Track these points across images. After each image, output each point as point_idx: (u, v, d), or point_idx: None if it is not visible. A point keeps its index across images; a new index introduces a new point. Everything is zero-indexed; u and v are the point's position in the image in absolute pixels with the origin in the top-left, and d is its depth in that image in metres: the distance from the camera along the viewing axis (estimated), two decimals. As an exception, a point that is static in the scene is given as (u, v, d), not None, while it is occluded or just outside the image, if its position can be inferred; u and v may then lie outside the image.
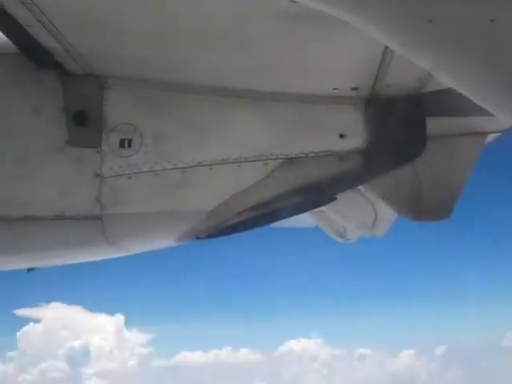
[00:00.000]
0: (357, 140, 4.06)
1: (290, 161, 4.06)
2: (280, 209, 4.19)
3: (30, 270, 4.66)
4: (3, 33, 3.71)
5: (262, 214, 4.17)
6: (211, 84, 4.01)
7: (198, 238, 4.22)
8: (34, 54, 3.81)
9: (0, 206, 3.90)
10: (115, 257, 4.41)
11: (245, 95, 4.03)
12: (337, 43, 3.34)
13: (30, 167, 3.90)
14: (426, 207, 4.42)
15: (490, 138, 4.55)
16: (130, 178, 3.93)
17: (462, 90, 2.29)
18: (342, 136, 4.07)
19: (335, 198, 4.26)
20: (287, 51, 3.58)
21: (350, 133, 4.06)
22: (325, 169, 4.11)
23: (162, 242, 4.35)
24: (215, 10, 3.04)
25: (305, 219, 6.67)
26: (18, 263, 4.42)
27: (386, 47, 3.28)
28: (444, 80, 2.33)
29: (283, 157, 4.05)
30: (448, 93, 3.37)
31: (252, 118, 4.06)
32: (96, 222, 3.93)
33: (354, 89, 3.95)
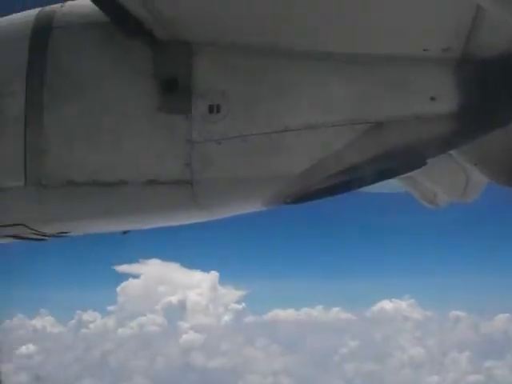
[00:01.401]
0: (448, 103, 3.92)
1: (379, 125, 3.98)
2: (368, 174, 4.15)
3: (124, 232, 4.84)
4: (93, 2, 3.83)
5: (350, 179, 4.14)
6: (299, 48, 3.97)
7: (285, 202, 4.24)
8: (123, 22, 3.91)
9: (95, 171, 4.05)
10: (205, 220, 4.51)
11: (333, 59, 3.97)
12: (428, 2, 3.23)
13: (123, 134, 4.03)
14: None
15: None
16: (219, 143, 3.98)
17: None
18: (432, 99, 3.93)
19: (425, 163, 4.16)
20: (378, 12, 3.50)
21: (441, 96, 3.92)
22: (415, 133, 4.01)
23: (250, 206, 4.40)
24: None
25: (394, 184, 6.57)
26: (112, 227, 4.60)
27: (478, 6, 3.15)
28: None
29: (372, 121, 3.97)
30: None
31: (340, 82, 4.00)
32: (186, 187, 4.02)
33: (445, 50, 3.80)
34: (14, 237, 4.51)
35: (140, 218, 4.35)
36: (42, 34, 4.10)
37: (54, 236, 4.60)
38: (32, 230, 4.38)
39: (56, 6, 4.24)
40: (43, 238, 4.63)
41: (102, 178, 4.06)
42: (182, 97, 3.99)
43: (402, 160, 4.08)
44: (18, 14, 4.32)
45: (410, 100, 3.97)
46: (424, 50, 3.83)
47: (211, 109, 3.97)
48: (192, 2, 3.71)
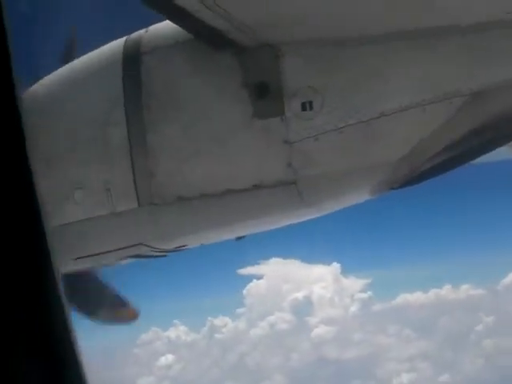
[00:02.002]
0: None
1: (477, 95, 3.85)
2: (473, 147, 4.03)
3: (238, 238, 4.94)
4: (174, 22, 3.96)
5: (456, 155, 4.04)
6: (384, 31, 3.92)
7: (392, 188, 4.19)
8: (207, 37, 4.01)
9: (202, 184, 4.17)
10: (312, 218, 4.52)
11: (418, 36, 3.89)
12: None
13: (224, 144, 4.13)
14: None
15: None
16: (316, 139, 3.99)
17: None
18: None
19: None
20: None
21: None
22: None
23: (357, 197, 4.37)
24: None
25: (505, 152, 6.29)
26: (225, 235, 4.70)
27: None
28: None
29: (468, 93, 3.85)
30: None
31: (430, 57, 3.92)
32: (291, 187, 4.07)
33: None
34: (135, 257, 4.70)
35: (250, 223, 4.42)
36: (132, 61, 4.28)
37: (172, 251, 4.76)
38: (151, 247, 4.56)
39: (141, 32, 4.41)
40: (163, 254, 4.80)
41: (210, 189, 4.18)
42: (274, 99, 4.04)
43: (506, 128, 3.92)
44: (107, 45, 4.51)
45: (505, 64, 3.82)
46: (507, 12, 3.68)
47: (304, 106, 4.00)
48: (273, 7, 3.74)
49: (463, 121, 3.87)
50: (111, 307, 6.39)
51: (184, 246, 4.70)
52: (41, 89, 4.65)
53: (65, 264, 4.80)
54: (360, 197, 4.36)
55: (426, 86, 3.89)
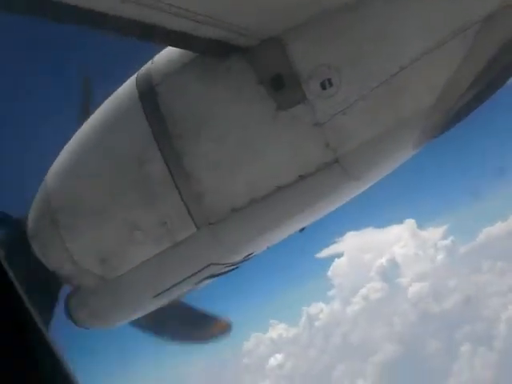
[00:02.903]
0: None
1: (489, 18, 3.74)
2: (503, 71, 3.93)
3: (301, 230, 4.94)
4: (175, 46, 4.07)
5: (488, 84, 3.94)
6: None
7: (435, 136, 4.12)
8: (210, 50, 4.04)
9: (249, 191, 4.19)
10: (365, 189, 4.49)
11: None
12: None
13: (257, 145, 4.13)
14: None
15: None
16: (344, 113, 3.95)
17: None
18: None
19: None
20: None
21: None
22: None
23: (401, 155, 4.32)
24: None
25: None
26: (286, 231, 4.71)
27: None
28: None
29: (479, 18, 3.74)
30: None
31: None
32: (335, 166, 4.04)
33: None
34: (210, 277, 4.76)
35: (307, 212, 4.42)
36: (149, 95, 4.32)
37: (242, 262, 4.80)
38: (221, 264, 4.61)
39: (148, 65, 4.44)
40: (234, 267, 4.85)
41: (258, 193, 4.19)
42: (292, 88, 4.02)
43: None
44: (120, 88, 4.57)
45: None
46: None
47: (323, 85, 3.97)
48: (258, 3, 3.74)
49: (484, 49, 3.76)
50: (204, 326, 6.70)
51: (251, 253, 4.73)
52: (72, 148, 4.75)
53: (146, 304, 4.91)
54: (405, 154, 4.30)
55: (435, 27, 3.80)
